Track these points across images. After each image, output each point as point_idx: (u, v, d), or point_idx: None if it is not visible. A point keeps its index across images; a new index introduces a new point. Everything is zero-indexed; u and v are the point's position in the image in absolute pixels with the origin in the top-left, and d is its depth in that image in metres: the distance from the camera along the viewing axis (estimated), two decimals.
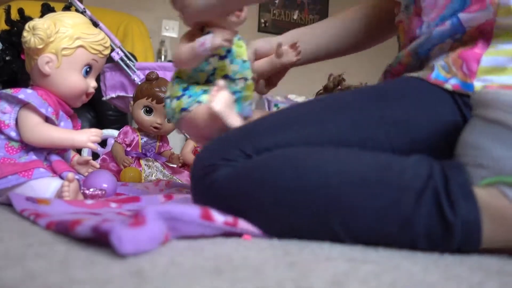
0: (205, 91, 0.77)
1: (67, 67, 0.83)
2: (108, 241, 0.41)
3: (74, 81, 0.84)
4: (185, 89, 0.79)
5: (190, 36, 0.77)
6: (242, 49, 0.81)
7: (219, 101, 0.71)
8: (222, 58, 0.78)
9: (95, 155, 1.84)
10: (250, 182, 0.56)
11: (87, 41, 0.84)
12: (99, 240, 0.46)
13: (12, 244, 0.45)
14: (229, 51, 0.78)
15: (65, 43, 0.82)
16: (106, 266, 0.39)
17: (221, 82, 0.73)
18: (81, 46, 0.84)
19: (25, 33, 0.81)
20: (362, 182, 0.52)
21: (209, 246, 0.49)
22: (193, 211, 0.51)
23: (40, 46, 0.80)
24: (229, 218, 0.54)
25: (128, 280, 0.35)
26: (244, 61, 0.80)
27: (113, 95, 1.90)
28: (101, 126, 2.01)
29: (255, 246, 0.50)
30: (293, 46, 0.85)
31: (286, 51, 0.85)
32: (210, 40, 0.73)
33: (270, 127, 0.63)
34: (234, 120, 0.72)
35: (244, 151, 0.60)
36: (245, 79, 0.80)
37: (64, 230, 0.50)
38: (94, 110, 2.23)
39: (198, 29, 0.79)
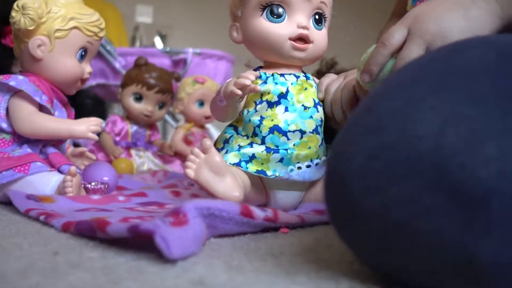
0: (240, 147, 0.62)
1: (60, 50, 0.75)
2: (141, 242, 0.37)
3: (69, 65, 0.77)
4: (225, 141, 0.66)
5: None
6: (307, 92, 0.64)
7: (194, 168, 0.56)
8: (271, 105, 0.63)
9: (78, 146, 1.75)
10: None
11: (82, 22, 0.76)
12: (126, 241, 0.41)
13: (34, 252, 0.39)
14: (284, 95, 0.63)
15: (58, 24, 0.74)
16: (157, 274, 0.33)
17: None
18: (75, 27, 0.76)
19: (13, 13, 0.72)
20: None
21: (253, 244, 0.45)
22: (232, 207, 0.46)
23: (31, 28, 0.72)
24: (269, 213, 0.49)
25: None
26: (306, 108, 0.63)
27: (93, 83, 1.82)
28: (79, 116, 1.92)
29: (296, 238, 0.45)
30: None
31: None
32: (223, 88, 0.61)
33: None
34: (225, 191, 0.55)
35: None
36: (302, 132, 0.62)
37: (88, 231, 0.44)
38: (72, 99, 2.12)
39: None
